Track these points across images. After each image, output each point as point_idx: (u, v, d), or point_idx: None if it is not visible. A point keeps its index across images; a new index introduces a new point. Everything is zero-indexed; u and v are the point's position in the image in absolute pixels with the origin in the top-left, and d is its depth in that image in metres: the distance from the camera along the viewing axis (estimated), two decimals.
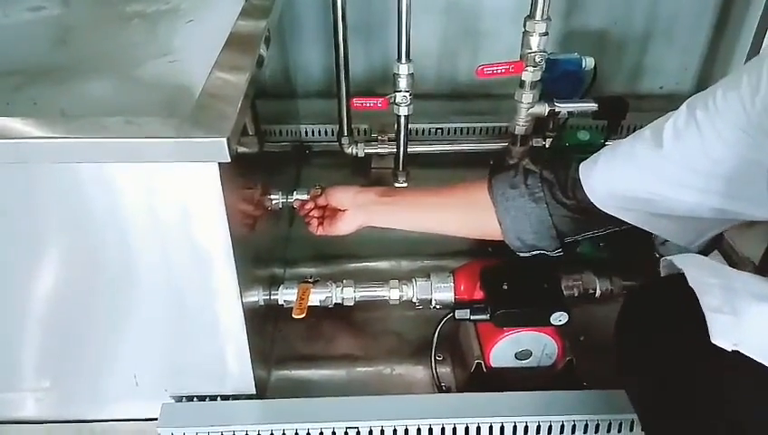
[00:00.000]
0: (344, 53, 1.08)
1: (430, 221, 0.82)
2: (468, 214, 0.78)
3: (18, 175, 0.60)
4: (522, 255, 0.77)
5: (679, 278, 0.52)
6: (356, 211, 0.83)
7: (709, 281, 0.50)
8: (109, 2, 0.90)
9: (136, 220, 0.64)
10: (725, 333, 0.47)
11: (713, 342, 0.46)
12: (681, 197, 0.61)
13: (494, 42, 1.30)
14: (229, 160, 0.57)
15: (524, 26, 0.85)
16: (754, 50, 1.22)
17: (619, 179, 0.66)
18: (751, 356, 0.45)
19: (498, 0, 1.24)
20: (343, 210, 0.84)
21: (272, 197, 0.94)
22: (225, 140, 0.56)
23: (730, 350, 0.46)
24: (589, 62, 1.10)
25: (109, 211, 0.63)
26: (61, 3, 0.90)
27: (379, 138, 1.20)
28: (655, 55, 1.35)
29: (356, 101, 0.95)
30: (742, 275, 0.52)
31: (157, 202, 0.63)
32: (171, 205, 0.63)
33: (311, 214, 0.88)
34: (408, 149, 1.11)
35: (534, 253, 0.77)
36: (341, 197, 0.85)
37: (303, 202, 0.90)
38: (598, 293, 0.87)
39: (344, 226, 0.84)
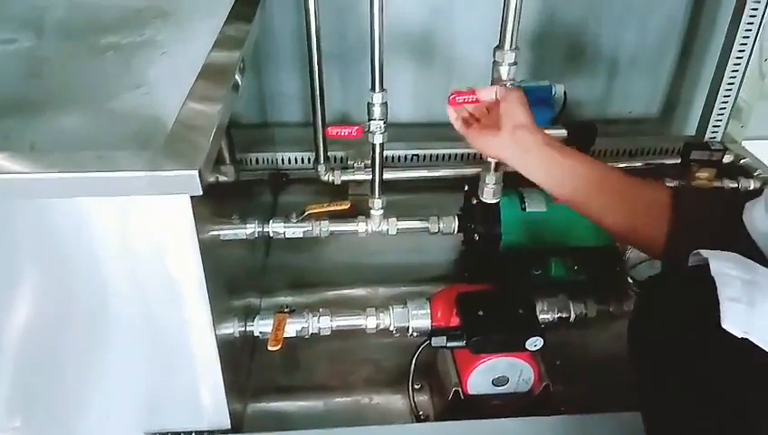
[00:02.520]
0: (319, 82, 1.09)
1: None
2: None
3: None
4: None
5: (701, 269, 0.51)
6: (513, 142, 0.74)
7: (731, 273, 0.49)
8: (83, 34, 0.89)
9: (108, 253, 0.64)
10: (737, 320, 0.46)
11: (723, 326, 0.46)
12: None
13: (467, 68, 1.32)
14: (201, 193, 0.57)
15: (494, 56, 0.87)
16: (719, 74, 1.26)
17: None
18: (760, 345, 0.45)
19: (470, 28, 1.27)
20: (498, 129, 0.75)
21: (247, 226, 0.94)
22: (196, 172, 0.56)
23: (739, 336, 0.46)
24: (559, 90, 1.13)
25: (81, 245, 0.63)
26: (34, 36, 0.89)
27: (356, 164, 1.21)
28: (623, 81, 1.39)
29: (331, 130, 0.95)
30: None
31: (129, 235, 0.63)
32: (143, 237, 0.63)
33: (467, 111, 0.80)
34: (385, 176, 1.12)
35: None
36: (514, 112, 0.75)
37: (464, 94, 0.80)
38: (572, 317, 0.88)
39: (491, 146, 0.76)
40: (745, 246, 0.61)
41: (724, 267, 0.50)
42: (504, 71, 0.87)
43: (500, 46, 0.86)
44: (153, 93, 0.74)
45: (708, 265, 0.51)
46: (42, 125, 0.68)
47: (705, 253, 0.52)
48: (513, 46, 0.86)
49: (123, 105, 0.72)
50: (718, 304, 0.47)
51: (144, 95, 0.73)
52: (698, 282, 0.50)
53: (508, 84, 0.87)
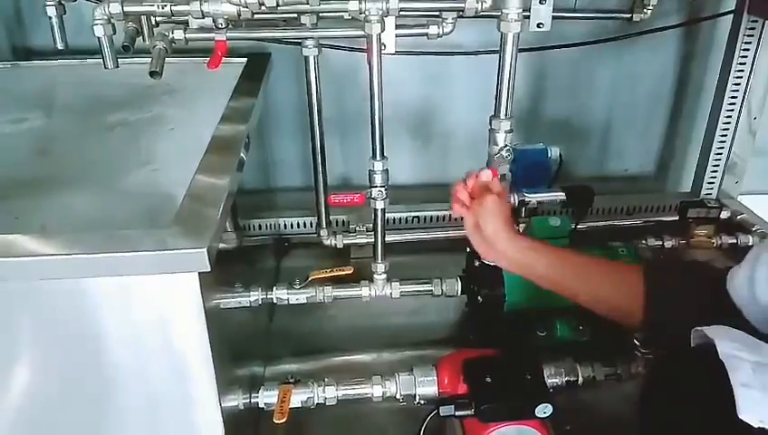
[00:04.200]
0: (321, 149, 1.12)
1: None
2: None
3: None
4: None
5: (708, 349, 0.51)
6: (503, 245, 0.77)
7: (740, 355, 0.50)
8: (92, 111, 0.92)
9: (113, 330, 0.64)
10: (753, 408, 0.46)
11: (740, 417, 0.46)
12: None
13: (465, 131, 1.35)
14: (209, 269, 0.58)
15: (490, 124, 0.90)
16: (710, 131, 1.29)
17: None
18: None
19: (466, 94, 1.31)
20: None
21: (251, 293, 0.94)
22: (205, 250, 0.57)
23: (756, 426, 0.46)
24: (554, 152, 1.15)
25: (85, 322, 0.63)
26: (43, 114, 0.92)
27: (357, 228, 1.23)
28: (617, 141, 1.42)
29: (333, 198, 0.97)
30: None
31: (134, 312, 0.63)
32: (149, 313, 0.63)
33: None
34: (386, 239, 1.13)
35: None
36: (486, 222, 0.78)
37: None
38: (580, 380, 0.87)
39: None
40: (731, 316, 0.63)
41: (732, 349, 0.50)
42: (500, 138, 0.90)
43: (496, 115, 0.90)
44: (162, 170, 0.76)
45: (713, 343, 0.51)
46: (52, 205, 0.69)
47: (708, 332, 0.53)
48: (509, 115, 0.89)
49: (132, 182, 0.73)
50: (730, 388, 0.47)
51: (153, 172, 0.75)
52: (707, 365, 0.50)
53: (504, 152, 0.90)
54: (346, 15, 0.89)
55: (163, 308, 0.63)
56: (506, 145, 0.90)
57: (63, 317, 0.62)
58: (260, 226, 1.23)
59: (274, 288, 1.02)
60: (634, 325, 0.73)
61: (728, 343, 0.51)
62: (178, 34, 0.91)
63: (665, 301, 0.69)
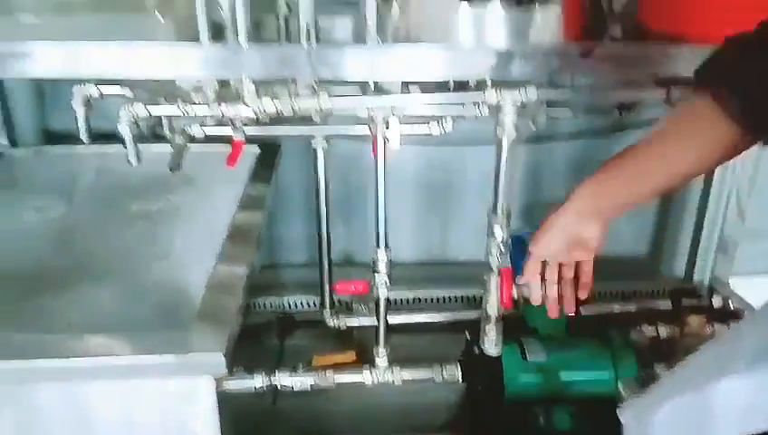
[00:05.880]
0: (327, 234, 1.16)
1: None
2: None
3: (18, 395, 0.63)
4: None
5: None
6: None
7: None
8: (113, 199, 0.96)
9: (125, 430, 0.66)
10: None
11: None
12: None
13: (463, 215, 1.40)
14: (225, 373, 0.61)
15: (488, 219, 0.95)
16: (701, 216, 1.34)
17: None
18: None
19: (465, 179, 1.37)
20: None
21: (255, 378, 0.96)
22: (221, 354, 0.60)
23: None
24: None
25: (95, 424, 0.65)
26: (65, 202, 0.96)
27: (361, 309, 1.25)
28: (610, 224, 1.46)
29: (339, 287, 1.02)
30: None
31: (146, 414, 0.65)
32: (162, 416, 0.65)
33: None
34: (388, 321, 1.16)
35: None
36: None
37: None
38: None
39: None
40: None
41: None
42: (498, 232, 0.95)
43: (493, 211, 0.94)
44: (181, 262, 0.79)
45: None
46: (73, 299, 0.72)
47: (619, 412, 0.65)
48: (506, 214, 0.94)
49: (154, 275, 0.77)
50: None
51: (172, 264, 0.79)
52: None
53: (501, 247, 0.94)
54: None
55: (178, 409, 0.65)
56: (503, 236, 0.95)
57: (81, 416, 0.65)
58: (264, 304, 1.26)
59: (278, 373, 1.03)
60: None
61: (630, 411, 0.63)
62: (197, 130, 0.97)
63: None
